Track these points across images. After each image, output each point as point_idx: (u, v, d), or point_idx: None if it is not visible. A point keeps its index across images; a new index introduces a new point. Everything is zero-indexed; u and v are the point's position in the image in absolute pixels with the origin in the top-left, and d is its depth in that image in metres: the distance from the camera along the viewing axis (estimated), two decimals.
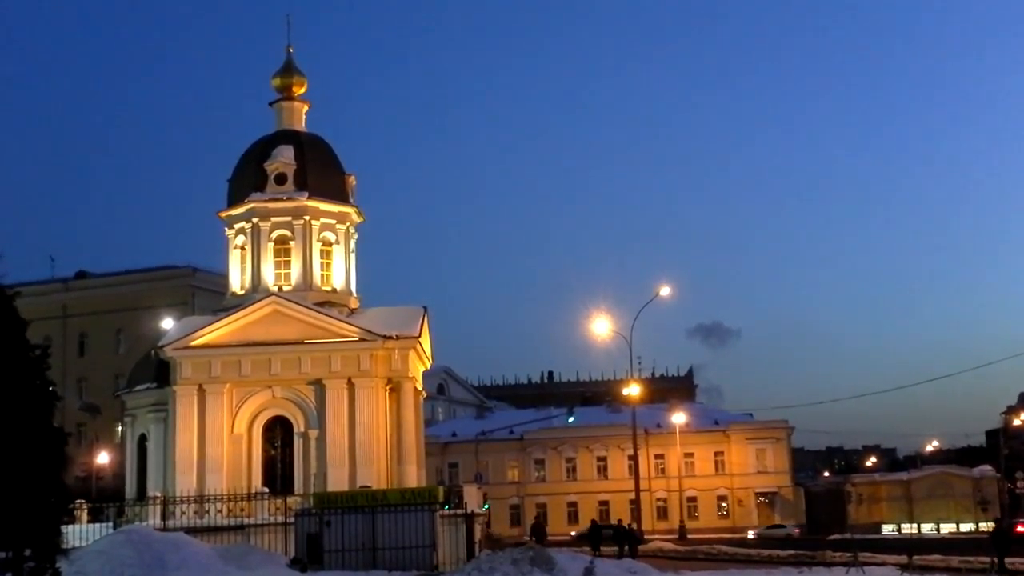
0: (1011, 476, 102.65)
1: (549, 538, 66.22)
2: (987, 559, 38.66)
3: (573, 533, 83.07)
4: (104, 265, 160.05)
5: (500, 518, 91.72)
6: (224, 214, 52.79)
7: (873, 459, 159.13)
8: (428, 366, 56.18)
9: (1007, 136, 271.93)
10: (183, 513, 42.22)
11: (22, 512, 21.96)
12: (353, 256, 53.59)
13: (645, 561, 43.42)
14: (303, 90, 55.40)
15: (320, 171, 52.50)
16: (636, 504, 69.36)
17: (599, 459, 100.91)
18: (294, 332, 48.30)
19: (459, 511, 43.00)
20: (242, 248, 52.13)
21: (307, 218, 51.31)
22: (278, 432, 48.51)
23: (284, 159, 51.63)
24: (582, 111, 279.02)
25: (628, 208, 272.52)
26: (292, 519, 38.25)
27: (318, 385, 48.10)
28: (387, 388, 49.31)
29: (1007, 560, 38.47)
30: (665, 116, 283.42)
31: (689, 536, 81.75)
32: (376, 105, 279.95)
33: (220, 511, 42.38)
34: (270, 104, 55.24)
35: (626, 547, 50.64)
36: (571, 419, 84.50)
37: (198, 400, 47.68)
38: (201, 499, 43.33)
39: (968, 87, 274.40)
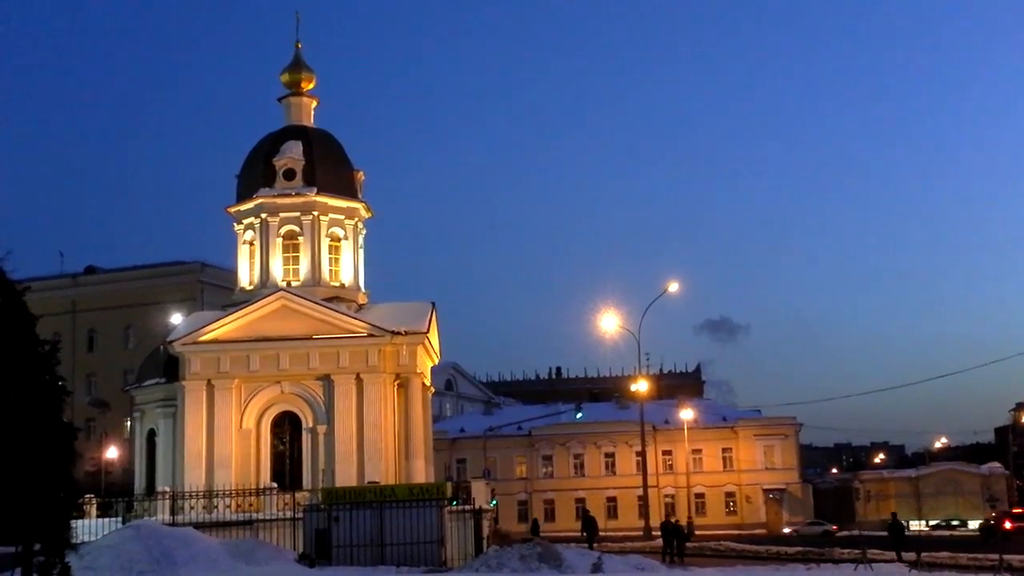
0: (1020, 473, 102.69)
1: (552, 534, 66.35)
2: (994, 557, 38.69)
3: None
4: (113, 260, 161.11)
5: (508, 514, 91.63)
6: (233, 209, 52.83)
7: (881, 456, 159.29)
8: (436, 362, 56.18)
9: (1016, 133, 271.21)
10: (192, 508, 42.37)
11: (31, 507, 22.00)
12: (361, 252, 53.63)
13: (654, 558, 43.44)
14: (312, 86, 55.40)
15: (329, 167, 52.51)
16: (644, 500, 69.36)
17: (607, 455, 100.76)
18: (302, 327, 48.34)
19: (467, 507, 43.04)
20: (251, 243, 52.16)
21: (315, 214, 51.33)
22: (286, 427, 48.56)
23: (293, 155, 51.64)
24: (592, 109, 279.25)
25: (637, 204, 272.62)
26: (300, 514, 38.25)
27: (326, 380, 48.13)
28: (395, 384, 49.32)
29: (903, 553, 41.00)
30: (675, 113, 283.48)
31: (697, 533, 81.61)
32: (385, 100, 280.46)
33: (229, 506, 42.54)
34: (279, 100, 55.25)
35: (675, 543, 50.17)
36: (579, 415, 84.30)
37: (207, 395, 47.78)
38: (210, 494, 43.46)
39: (983, 85, 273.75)
